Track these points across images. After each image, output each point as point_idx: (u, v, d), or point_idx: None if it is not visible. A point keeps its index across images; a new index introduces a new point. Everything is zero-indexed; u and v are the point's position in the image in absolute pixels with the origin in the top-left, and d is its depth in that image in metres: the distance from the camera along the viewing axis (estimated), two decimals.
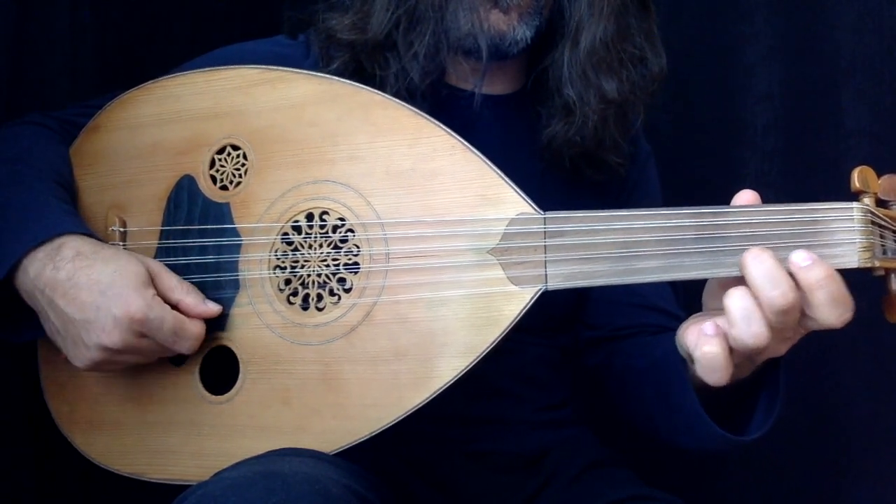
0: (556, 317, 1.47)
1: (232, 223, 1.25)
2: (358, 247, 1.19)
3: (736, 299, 1.05)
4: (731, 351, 1.07)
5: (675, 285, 1.46)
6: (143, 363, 1.22)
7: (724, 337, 1.06)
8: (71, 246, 1.20)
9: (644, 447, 1.57)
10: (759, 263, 1.04)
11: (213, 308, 1.22)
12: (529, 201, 1.14)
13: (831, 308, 1.04)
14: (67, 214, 1.25)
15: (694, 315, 1.16)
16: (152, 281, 1.20)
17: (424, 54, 1.33)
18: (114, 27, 1.71)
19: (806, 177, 1.88)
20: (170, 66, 1.38)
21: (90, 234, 1.24)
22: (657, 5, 1.43)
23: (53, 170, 1.31)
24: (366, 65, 1.36)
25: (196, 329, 1.20)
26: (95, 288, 1.16)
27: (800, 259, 1.04)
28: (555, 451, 1.43)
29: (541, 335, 1.45)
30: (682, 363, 1.19)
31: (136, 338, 1.17)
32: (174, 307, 1.20)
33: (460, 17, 1.33)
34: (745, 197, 1.11)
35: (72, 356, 1.21)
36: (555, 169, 1.41)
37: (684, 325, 1.15)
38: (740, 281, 1.07)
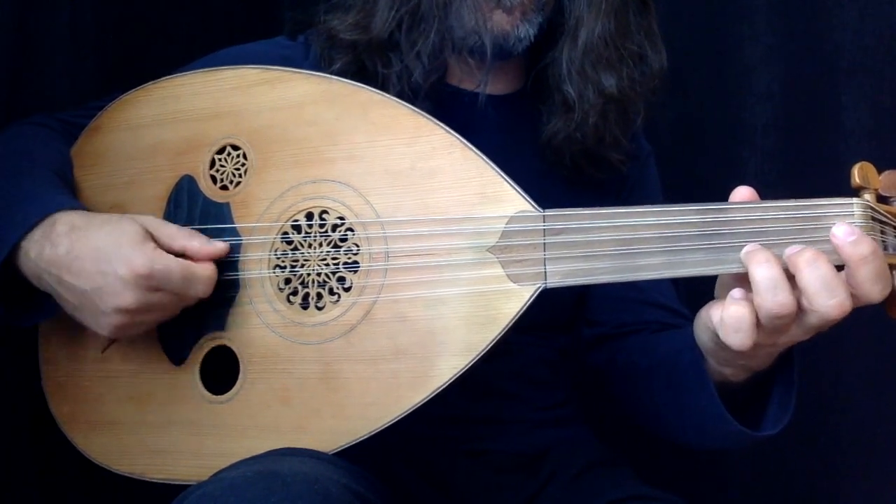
0: (556, 316, 1.47)
1: (232, 223, 1.26)
2: (357, 245, 1.19)
3: (762, 269, 1.04)
4: (757, 324, 1.06)
5: (676, 283, 1.46)
6: (169, 318, 1.22)
7: (752, 302, 1.05)
8: (64, 221, 1.20)
9: (644, 447, 1.58)
10: (815, 269, 1.03)
11: (219, 247, 1.22)
12: (529, 199, 1.14)
13: (874, 283, 1.04)
14: (57, 193, 1.25)
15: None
16: (152, 235, 1.19)
17: (428, 53, 1.33)
18: (114, 27, 1.70)
19: (806, 176, 1.88)
20: (170, 67, 1.38)
21: (82, 208, 1.24)
22: (657, 4, 1.43)
23: (52, 163, 1.31)
24: (368, 65, 1.36)
25: (206, 271, 1.20)
26: (96, 255, 1.16)
27: (843, 233, 1.04)
28: (555, 451, 1.43)
29: (541, 335, 1.45)
30: (699, 359, 1.19)
31: (148, 293, 1.16)
32: (182, 255, 1.20)
33: (464, 16, 1.33)
34: (743, 193, 1.11)
35: (95, 327, 1.21)
36: (556, 168, 1.42)
37: (705, 308, 1.14)
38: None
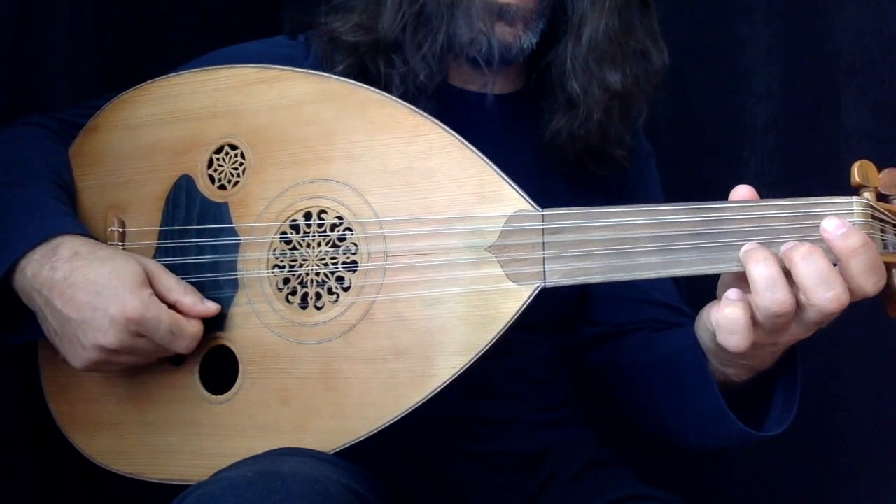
0: (556, 316, 1.46)
1: (230, 222, 1.26)
2: (356, 245, 1.19)
3: (759, 268, 1.03)
4: (756, 324, 1.06)
5: (677, 281, 1.46)
6: (142, 364, 1.22)
7: (748, 303, 1.05)
8: (68, 246, 1.20)
9: (644, 447, 1.57)
10: (810, 263, 1.02)
11: (211, 307, 1.22)
12: (527, 198, 1.14)
13: (867, 275, 1.03)
14: (65, 215, 1.25)
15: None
16: (150, 281, 1.20)
17: (432, 55, 1.33)
18: (114, 27, 1.71)
19: (806, 176, 1.88)
20: (170, 67, 1.38)
21: (88, 235, 1.24)
22: (657, 4, 1.43)
23: (53, 171, 1.31)
24: (370, 67, 1.36)
25: (193, 328, 1.20)
26: (92, 288, 1.16)
27: (833, 226, 1.03)
28: (554, 451, 1.43)
29: (541, 335, 1.45)
30: (702, 359, 1.19)
31: (132, 338, 1.17)
32: (172, 307, 1.20)
33: (472, 22, 1.33)
34: (742, 192, 1.10)
35: (69, 357, 1.20)
36: (558, 166, 1.42)
37: (705, 308, 1.14)
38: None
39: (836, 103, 1.86)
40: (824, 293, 1.02)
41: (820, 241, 1.05)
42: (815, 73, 1.88)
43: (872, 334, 1.78)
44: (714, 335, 1.11)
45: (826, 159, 1.86)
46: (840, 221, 1.04)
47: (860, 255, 1.02)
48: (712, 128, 1.98)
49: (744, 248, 1.06)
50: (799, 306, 1.04)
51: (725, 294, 1.07)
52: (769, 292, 1.03)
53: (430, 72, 1.34)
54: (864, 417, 1.82)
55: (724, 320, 1.05)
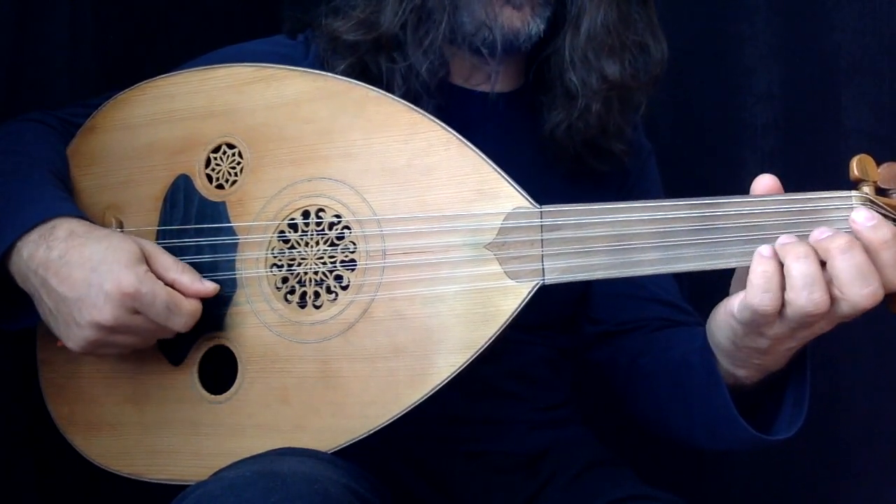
0: (556, 315, 1.46)
1: (228, 222, 1.25)
2: (354, 244, 1.19)
3: (800, 264, 1.01)
4: (783, 317, 1.04)
5: (680, 280, 1.46)
6: (141, 346, 1.22)
7: (779, 260, 1.03)
8: (64, 227, 1.19)
9: (644, 447, 1.57)
10: (850, 257, 1.00)
11: (209, 287, 1.21)
12: (525, 195, 1.14)
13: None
14: (63, 200, 1.25)
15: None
16: (147, 260, 1.19)
17: (435, 49, 1.33)
18: (114, 27, 1.71)
19: (806, 177, 1.86)
20: (170, 66, 1.38)
21: (85, 218, 1.23)
22: (657, 4, 1.43)
23: (51, 163, 1.31)
24: (371, 66, 1.35)
25: (191, 306, 1.19)
26: (87, 265, 1.16)
27: (863, 217, 1.02)
28: (554, 451, 1.43)
29: (541, 335, 1.45)
30: (711, 361, 1.18)
31: (128, 314, 1.16)
32: (170, 287, 1.19)
33: (475, 11, 1.33)
34: (765, 181, 1.10)
35: (65, 337, 1.20)
36: (557, 163, 1.42)
37: (722, 303, 1.12)
38: None
39: (836, 103, 1.86)
40: (861, 289, 1.00)
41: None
42: (815, 73, 1.88)
43: (873, 334, 1.78)
44: (732, 332, 1.10)
45: (826, 159, 1.85)
46: (870, 213, 1.03)
47: (891, 247, 1.01)
48: (712, 128, 1.98)
49: (780, 241, 1.04)
50: (831, 300, 1.02)
51: (758, 251, 1.04)
52: (806, 291, 1.01)
53: (432, 65, 1.33)
54: (864, 417, 1.82)
55: (757, 278, 1.03)
